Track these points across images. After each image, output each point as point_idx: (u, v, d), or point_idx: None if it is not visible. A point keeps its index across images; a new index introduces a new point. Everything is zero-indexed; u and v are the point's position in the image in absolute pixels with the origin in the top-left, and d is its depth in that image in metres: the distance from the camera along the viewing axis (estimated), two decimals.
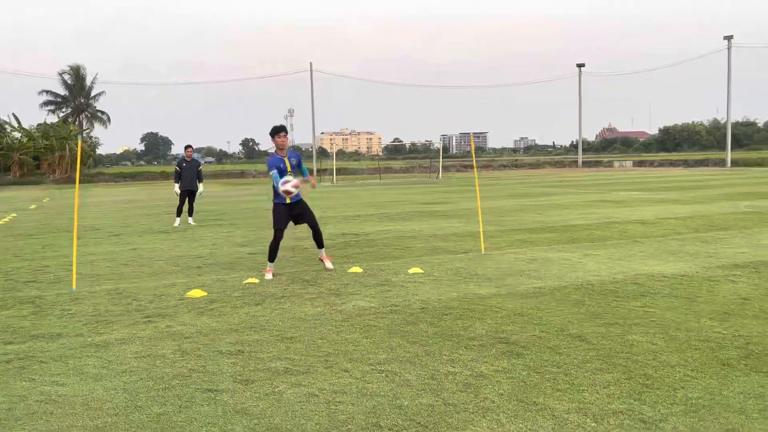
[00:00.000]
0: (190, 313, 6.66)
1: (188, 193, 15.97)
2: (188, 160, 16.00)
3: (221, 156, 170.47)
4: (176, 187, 16.02)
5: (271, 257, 8.56)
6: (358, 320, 6.16)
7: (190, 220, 16.13)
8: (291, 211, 8.60)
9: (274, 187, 8.52)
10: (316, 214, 18.13)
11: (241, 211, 19.97)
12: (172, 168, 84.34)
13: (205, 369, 4.87)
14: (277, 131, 8.45)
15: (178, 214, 16.09)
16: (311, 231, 8.86)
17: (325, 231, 13.78)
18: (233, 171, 64.19)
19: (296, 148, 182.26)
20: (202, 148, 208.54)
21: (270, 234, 13.49)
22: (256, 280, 8.22)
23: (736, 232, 11.88)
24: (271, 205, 8.87)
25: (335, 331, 5.79)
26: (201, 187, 16.12)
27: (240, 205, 23.19)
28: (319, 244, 8.94)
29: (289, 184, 8.33)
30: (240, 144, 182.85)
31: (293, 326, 6.01)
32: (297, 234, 13.33)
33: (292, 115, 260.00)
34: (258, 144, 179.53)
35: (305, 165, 9.01)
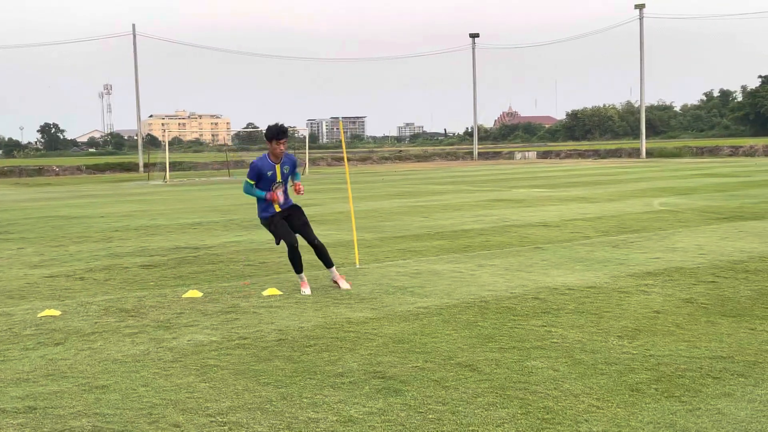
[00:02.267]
0: None
1: None
2: None
3: (12, 147, 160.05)
4: None
5: (296, 268, 8.74)
6: (195, 359, 6.02)
7: None
8: (287, 219, 8.78)
9: (257, 198, 8.61)
10: (143, 221, 17.56)
11: (38, 220, 18.86)
12: None
13: None
14: (276, 136, 8.46)
15: None
16: (312, 248, 8.88)
17: (153, 244, 13.35)
18: (28, 167, 60.53)
19: (114, 136, 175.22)
20: None
21: (77, 249, 12.83)
22: (56, 312, 7.80)
23: (650, 235, 12.90)
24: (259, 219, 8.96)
25: (163, 375, 5.61)
26: None
27: (36, 211, 21.89)
28: (327, 262, 8.93)
29: (278, 192, 8.62)
30: (38, 131, 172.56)
31: (106, 371, 5.76)
32: (115, 250, 12.79)
33: (109, 93, 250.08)
34: (63, 131, 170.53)
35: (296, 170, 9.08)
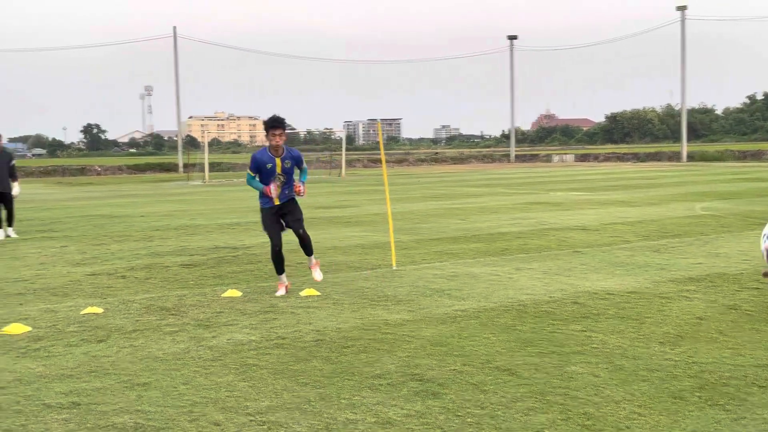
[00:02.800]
0: (7, 355, 6.32)
1: (0, 197, 15.16)
2: None
3: (55, 147, 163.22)
4: None
5: (277, 269, 8.80)
6: (234, 358, 6.07)
7: (10, 231, 15.33)
8: (280, 211, 8.79)
9: (257, 185, 8.69)
10: (183, 220, 17.76)
11: (80, 219, 19.20)
12: None
13: (27, 429, 4.63)
14: (272, 126, 8.45)
15: None
16: (297, 237, 8.98)
17: (192, 243, 13.49)
18: (71, 166, 61.65)
19: (154, 136, 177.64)
20: (29, 137, 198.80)
21: (119, 248, 13.03)
22: (99, 310, 7.92)
23: (692, 240, 12.69)
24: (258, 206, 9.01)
25: (203, 374, 5.67)
26: (16, 187, 15.35)
27: (78, 210, 22.28)
28: (308, 251, 9.07)
29: (272, 187, 8.54)
30: (81, 131, 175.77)
31: (147, 369, 5.83)
32: (156, 249, 12.96)
33: (150, 94, 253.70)
34: (105, 131, 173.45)
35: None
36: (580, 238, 13.29)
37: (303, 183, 8.89)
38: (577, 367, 5.64)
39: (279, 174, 8.62)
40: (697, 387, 5.16)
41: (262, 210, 8.84)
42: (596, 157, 70.85)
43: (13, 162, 15.50)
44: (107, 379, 5.60)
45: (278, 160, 8.58)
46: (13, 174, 15.32)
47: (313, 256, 9.20)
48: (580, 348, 6.17)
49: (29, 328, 7.21)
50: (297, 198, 8.96)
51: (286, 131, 8.66)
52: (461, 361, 5.85)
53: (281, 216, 8.89)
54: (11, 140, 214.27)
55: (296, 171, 8.87)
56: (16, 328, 7.15)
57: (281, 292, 8.72)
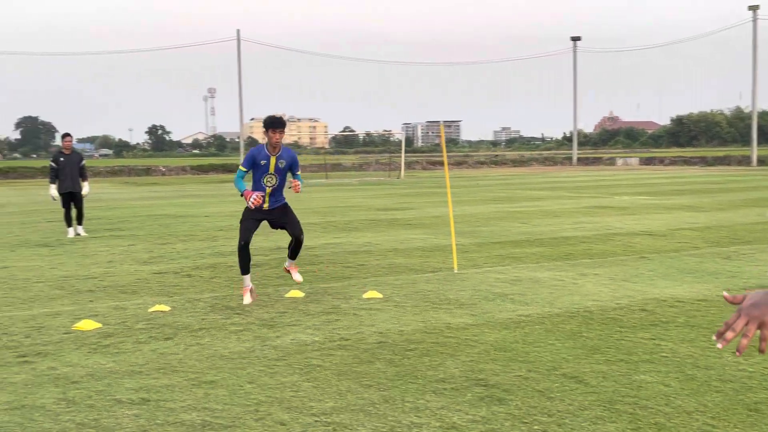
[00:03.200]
0: (79, 350, 6.50)
1: (70, 196, 15.61)
2: (67, 153, 15.68)
3: (122, 147, 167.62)
4: (53, 189, 15.62)
5: (242, 269, 8.56)
6: (298, 358, 6.12)
7: (80, 229, 15.79)
8: (269, 217, 8.70)
9: (241, 184, 8.59)
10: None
11: (146, 219, 19.66)
12: None
13: (99, 424, 4.75)
14: (272, 125, 8.40)
15: (68, 223, 15.73)
16: (291, 240, 8.84)
17: (255, 243, 13.67)
18: (137, 167, 63.23)
19: (217, 138, 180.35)
20: (97, 137, 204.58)
21: (184, 247, 13.30)
22: (166, 308, 8.09)
23: (764, 246, 12.29)
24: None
25: (268, 373, 5.73)
26: (86, 187, 15.78)
27: (144, 210, 22.82)
28: (293, 255, 8.96)
29: (253, 196, 8.37)
30: (146, 132, 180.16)
31: (213, 367, 5.93)
32: (220, 248, 13.17)
33: (213, 96, 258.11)
34: (169, 132, 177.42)
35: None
36: (646, 243, 13.00)
37: (298, 180, 8.67)
38: (646, 376, 5.52)
39: (272, 173, 8.44)
40: None
41: (246, 209, 8.62)
42: (662, 161, 69.30)
43: (83, 162, 15.96)
44: (175, 376, 5.71)
45: (273, 159, 8.42)
46: (83, 174, 15.77)
47: (294, 261, 9.05)
48: (649, 356, 6.04)
49: (100, 325, 7.41)
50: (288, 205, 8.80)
51: (284, 131, 8.47)
52: (526, 367, 5.78)
53: (275, 224, 8.76)
54: (79, 141, 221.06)
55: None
56: (88, 324, 7.36)
57: (247, 299, 8.38)
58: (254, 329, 7.15)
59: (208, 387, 5.43)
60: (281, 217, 8.70)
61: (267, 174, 8.44)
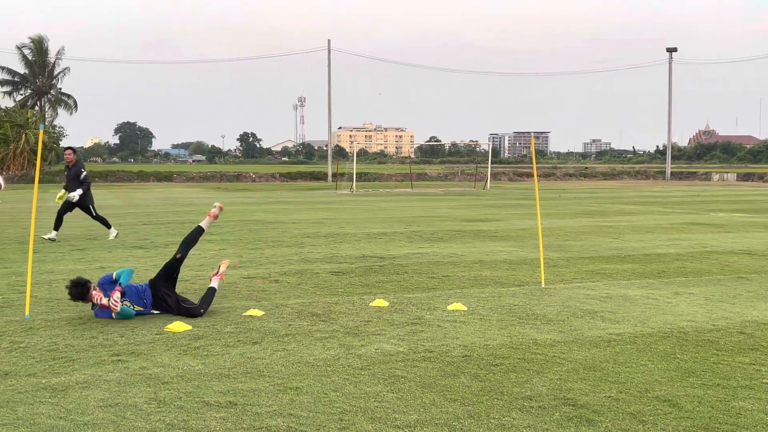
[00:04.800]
0: (170, 351, 6.67)
1: (69, 204, 16.20)
2: (69, 166, 16.33)
3: (214, 154, 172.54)
4: (72, 194, 16.07)
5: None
6: (382, 368, 6.11)
7: (53, 234, 16.01)
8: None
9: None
10: (332, 228, 18.21)
11: (236, 224, 20.12)
12: (152, 167, 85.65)
13: (188, 425, 4.85)
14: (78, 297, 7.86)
15: (56, 226, 16.11)
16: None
17: (341, 251, 13.79)
18: (228, 173, 64.92)
19: (305, 146, 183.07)
20: (191, 143, 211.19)
21: (272, 253, 13.51)
22: (260, 312, 8.22)
23: None
24: None
25: (352, 382, 5.74)
26: (76, 193, 15.99)
27: (234, 215, 23.36)
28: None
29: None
30: (237, 139, 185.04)
31: (299, 373, 5.97)
32: (307, 255, 13.33)
33: (302, 105, 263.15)
34: (260, 140, 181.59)
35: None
36: (745, 263, 12.45)
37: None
38: (745, 403, 5.25)
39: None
40: None
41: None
42: (761, 177, 66.42)
43: (84, 174, 16.23)
44: (262, 381, 5.78)
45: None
46: (81, 183, 16.11)
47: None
48: (748, 382, 5.75)
49: (190, 327, 7.59)
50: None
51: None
52: (617, 388, 5.59)
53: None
54: (174, 147, 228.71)
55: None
56: (179, 326, 7.54)
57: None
58: (339, 337, 7.19)
59: (293, 393, 5.48)
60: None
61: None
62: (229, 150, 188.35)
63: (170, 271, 8.60)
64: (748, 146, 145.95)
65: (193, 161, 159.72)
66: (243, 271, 11.56)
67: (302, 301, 9.07)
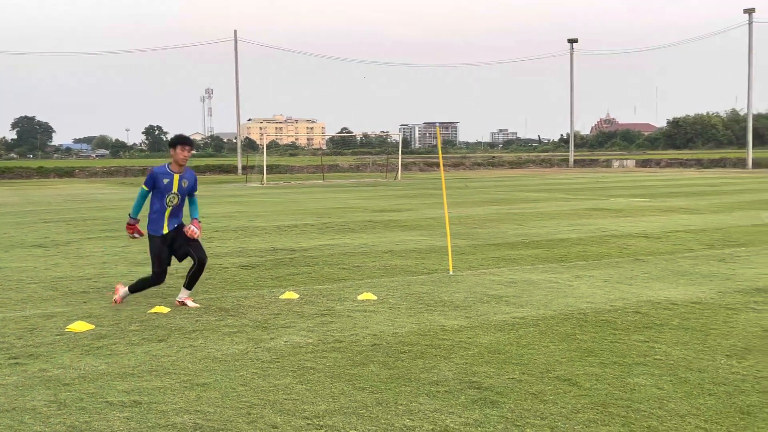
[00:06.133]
0: (71, 352, 6.47)
1: None
2: None
3: (118, 148, 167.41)
4: None
5: (136, 290, 8.43)
6: (292, 360, 6.10)
7: None
8: (170, 243, 8.28)
9: (137, 207, 8.37)
10: (241, 222, 18.01)
11: (143, 219, 19.57)
12: (53, 163, 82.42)
13: (90, 426, 4.72)
14: (180, 142, 8.19)
15: None
16: (193, 264, 8.24)
17: (251, 245, 13.65)
18: (133, 167, 63.17)
19: (214, 138, 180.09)
20: (93, 138, 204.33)
21: None
22: (165, 309, 8.06)
23: (758, 249, 12.30)
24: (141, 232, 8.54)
25: (261, 375, 5.71)
26: None
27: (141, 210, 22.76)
28: (191, 282, 8.31)
29: (135, 234, 8.43)
30: (143, 132, 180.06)
31: (206, 369, 5.90)
32: (215, 250, 13.14)
33: (210, 97, 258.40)
34: (166, 133, 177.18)
35: (198, 197, 8.68)
36: (641, 245, 13.00)
37: (197, 221, 8.39)
38: (639, 379, 5.50)
39: (175, 192, 8.20)
40: (767, 402, 4.98)
41: (152, 238, 8.23)
42: (658, 163, 69.40)
43: None
44: (167, 378, 5.68)
45: (176, 177, 8.21)
46: None
47: (189, 292, 8.40)
48: (642, 359, 6.02)
49: (93, 326, 7.38)
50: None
51: (192, 150, 8.35)
52: (520, 370, 5.76)
53: (180, 252, 8.29)
54: (76, 141, 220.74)
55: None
56: (81, 326, 7.32)
57: (120, 294, 8.41)
58: (248, 331, 7.13)
59: (200, 389, 5.40)
60: (183, 243, 8.28)
61: (170, 193, 8.18)
62: (135, 144, 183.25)
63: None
64: (646, 134, 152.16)
65: (97, 156, 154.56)
66: (148, 268, 11.28)
67: (210, 296, 8.94)
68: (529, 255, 12.01)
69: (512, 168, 70.07)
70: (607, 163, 72.87)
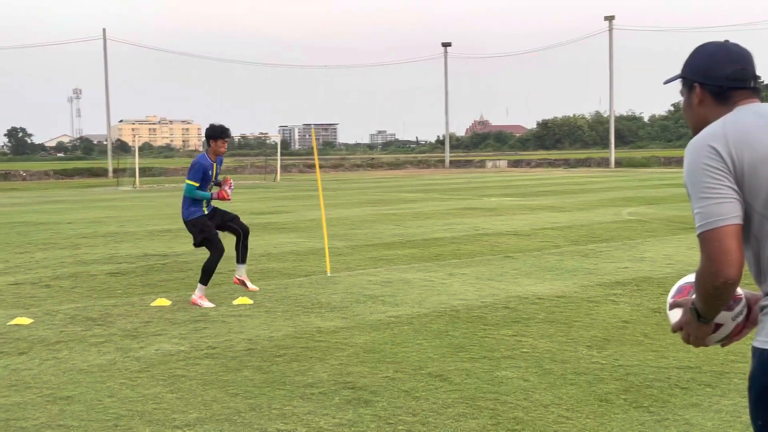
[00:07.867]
0: None
1: None
2: None
3: None
4: None
5: (208, 279, 8.54)
6: (162, 369, 5.94)
7: None
8: (214, 220, 8.81)
9: (189, 198, 8.66)
10: (111, 227, 17.33)
11: (2, 227, 18.54)
12: None
13: None
14: (222, 135, 8.68)
15: None
16: (238, 237, 8.95)
17: (121, 251, 13.18)
18: None
19: (83, 140, 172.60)
20: None
21: (44, 256, 12.62)
22: (27, 320, 7.65)
23: (619, 244, 13.01)
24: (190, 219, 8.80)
25: (129, 386, 5.53)
26: None
27: (1, 217, 21.51)
28: (244, 255, 8.99)
29: (229, 192, 8.88)
30: (5, 135, 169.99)
31: (71, 381, 5.65)
32: (82, 257, 12.61)
33: (78, 97, 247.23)
34: (31, 135, 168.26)
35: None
36: (512, 243, 13.48)
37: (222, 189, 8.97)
38: (507, 372, 5.71)
39: (214, 180, 8.84)
40: (623, 390, 5.28)
41: (198, 220, 8.67)
42: (528, 163, 72.12)
43: None
44: (28, 393, 5.40)
45: (215, 167, 8.82)
46: None
47: (245, 266, 9.13)
48: (510, 353, 6.25)
49: None
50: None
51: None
52: (394, 368, 5.85)
53: (223, 225, 8.93)
54: None
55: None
56: None
57: (207, 304, 8.38)
58: (116, 340, 6.88)
59: (64, 403, 5.17)
60: (226, 215, 8.95)
61: (211, 182, 8.75)
62: None
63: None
64: (517, 135, 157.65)
65: None
66: (9, 277, 10.69)
67: (76, 305, 8.57)
68: (406, 254, 12.21)
69: (391, 169, 70.96)
70: (481, 164, 75.07)
